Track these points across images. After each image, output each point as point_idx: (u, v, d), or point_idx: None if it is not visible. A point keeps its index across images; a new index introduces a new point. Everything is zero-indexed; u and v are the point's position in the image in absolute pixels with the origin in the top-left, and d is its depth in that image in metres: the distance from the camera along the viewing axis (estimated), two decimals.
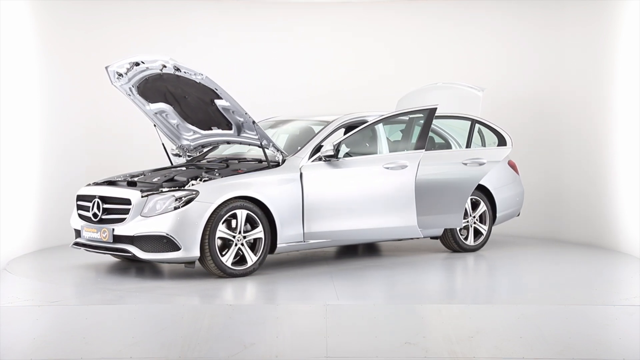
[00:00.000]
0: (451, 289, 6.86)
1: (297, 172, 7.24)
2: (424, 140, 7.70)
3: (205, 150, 8.21)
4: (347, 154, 7.67)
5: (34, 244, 8.71)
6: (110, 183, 7.32)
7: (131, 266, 7.54)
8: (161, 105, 7.55)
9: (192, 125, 7.73)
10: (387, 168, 7.55)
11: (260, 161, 7.40)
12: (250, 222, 6.94)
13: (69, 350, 5.39)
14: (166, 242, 6.64)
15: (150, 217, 6.69)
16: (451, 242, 8.29)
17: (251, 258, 6.92)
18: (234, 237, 6.82)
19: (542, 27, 9.92)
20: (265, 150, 7.31)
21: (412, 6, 10.32)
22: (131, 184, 7.12)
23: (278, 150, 7.29)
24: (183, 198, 6.69)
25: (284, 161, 7.27)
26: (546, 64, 9.89)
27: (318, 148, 7.43)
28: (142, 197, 6.78)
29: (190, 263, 6.78)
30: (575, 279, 7.17)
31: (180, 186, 6.88)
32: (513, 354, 5.42)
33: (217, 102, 7.12)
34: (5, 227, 7.96)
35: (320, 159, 7.36)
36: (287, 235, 7.12)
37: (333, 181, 7.37)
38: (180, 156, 8.15)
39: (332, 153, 7.32)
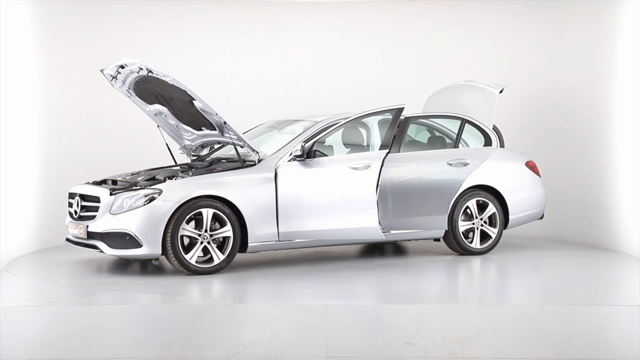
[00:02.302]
0: (452, 290, 6.85)
1: (271, 172, 7.26)
2: (390, 139, 7.64)
3: (213, 149, 8.22)
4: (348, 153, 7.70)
5: (34, 244, 8.71)
6: (101, 182, 7.50)
7: (132, 264, 7.56)
8: (158, 107, 7.61)
9: (186, 125, 7.76)
10: (353, 168, 7.50)
11: (244, 161, 7.44)
12: (221, 221, 7.02)
13: (69, 350, 5.39)
14: (129, 239, 6.81)
15: (117, 214, 6.88)
16: (454, 244, 8.14)
17: (218, 257, 7.02)
18: (199, 235, 6.92)
19: (542, 28, 9.92)
20: (238, 150, 7.41)
21: (415, 7, 10.32)
22: (114, 183, 7.36)
23: (254, 150, 7.31)
24: (147, 197, 6.85)
25: (260, 161, 7.29)
26: (546, 65, 9.89)
27: None
28: (110, 195, 6.98)
29: (155, 259, 6.99)
30: (575, 279, 7.17)
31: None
32: (513, 354, 5.42)
33: (195, 103, 7.18)
34: (5, 227, 7.96)
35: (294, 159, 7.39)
36: (260, 234, 7.15)
37: (305, 181, 7.37)
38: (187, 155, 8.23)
39: (300, 153, 7.34)
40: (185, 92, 7.02)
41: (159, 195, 6.86)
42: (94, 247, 7.05)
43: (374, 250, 8.79)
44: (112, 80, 7.39)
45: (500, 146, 8.68)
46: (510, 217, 8.37)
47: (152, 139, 8.94)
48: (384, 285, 6.84)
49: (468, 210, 8.16)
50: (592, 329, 5.59)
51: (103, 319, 5.64)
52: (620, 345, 5.49)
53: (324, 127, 7.68)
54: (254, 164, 7.30)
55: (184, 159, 8.43)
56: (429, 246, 8.91)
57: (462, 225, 8.11)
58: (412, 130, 8.37)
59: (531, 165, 8.66)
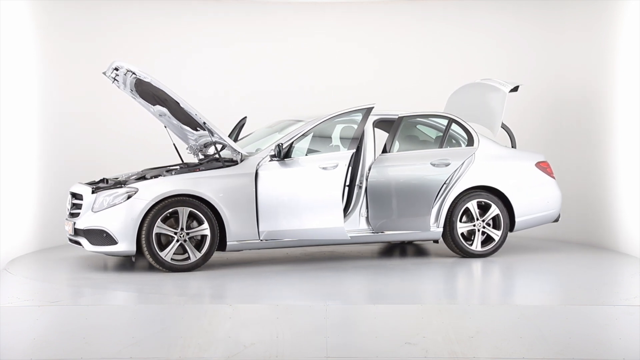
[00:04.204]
0: (452, 290, 6.85)
1: (252, 171, 7.31)
2: (357, 139, 7.58)
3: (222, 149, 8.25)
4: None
5: (34, 244, 8.71)
6: (100, 181, 7.63)
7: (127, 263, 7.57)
8: (160, 108, 7.62)
9: (185, 126, 7.78)
10: (322, 168, 7.47)
11: (228, 159, 7.50)
12: (200, 220, 7.13)
13: (69, 350, 5.40)
14: (106, 236, 7.02)
15: (98, 212, 7.08)
16: (452, 246, 8.01)
17: (194, 254, 7.13)
18: (175, 233, 7.06)
19: (542, 28, 9.92)
20: (218, 148, 7.53)
21: (416, 7, 10.33)
22: (106, 182, 7.53)
23: (235, 150, 7.37)
24: (123, 195, 7.03)
25: (242, 161, 7.36)
26: (546, 65, 9.89)
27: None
28: (92, 193, 7.19)
29: (127, 256, 7.21)
30: (575, 279, 7.17)
31: None
32: (513, 354, 5.43)
33: (181, 104, 7.23)
34: (5, 227, 7.96)
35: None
36: (239, 233, 7.23)
37: (283, 181, 7.39)
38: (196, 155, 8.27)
39: (273, 153, 7.37)
40: (166, 93, 7.09)
41: (135, 193, 7.01)
42: (79, 243, 7.25)
43: (391, 250, 8.79)
44: (113, 82, 7.44)
45: (512, 147, 8.56)
46: (517, 220, 8.10)
47: (152, 138, 8.94)
48: (380, 285, 6.83)
49: (471, 211, 8.02)
50: (592, 329, 5.59)
51: (103, 319, 5.64)
52: (620, 345, 5.49)
53: (304, 128, 7.67)
54: (236, 164, 7.36)
55: (191, 158, 8.43)
56: (435, 248, 8.86)
57: (461, 227, 7.98)
58: (423, 130, 8.30)
59: (543, 166, 8.39)
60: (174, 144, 8.00)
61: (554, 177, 8.46)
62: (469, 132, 8.19)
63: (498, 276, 7.47)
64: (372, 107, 7.68)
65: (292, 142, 7.49)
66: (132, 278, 6.97)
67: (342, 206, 7.40)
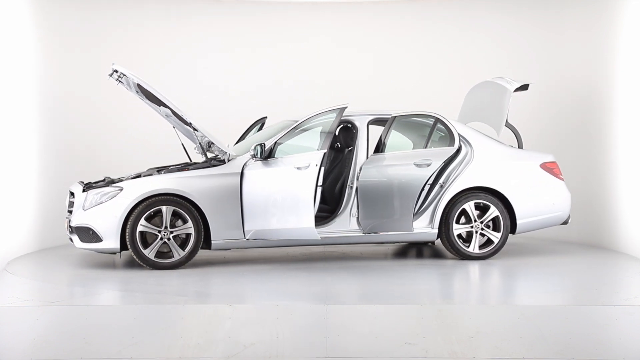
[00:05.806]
0: (452, 290, 6.85)
1: (237, 170, 7.39)
2: (330, 139, 7.54)
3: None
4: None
5: (34, 244, 8.72)
6: (99, 181, 7.72)
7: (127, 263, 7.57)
8: (164, 109, 7.64)
9: (186, 126, 7.80)
10: (297, 168, 7.44)
11: (212, 159, 7.59)
12: (184, 219, 7.25)
13: (69, 350, 5.40)
14: (92, 234, 7.21)
15: (87, 210, 7.23)
16: (449, 248, 7.92)
17: (178, 253, 7.27)
18: (159, 231, 7.19)
19: (542, 28, 9.92)
20: (204, 148, 7.65)
21: (415, 7, 10.33)
22: (102, 181, 7.63)
23: (221, 150, 7.44)
24: (109, 194, 7.20)
25: (229, 160, 7.45)
26: (546, 66, 9.89)
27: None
28: (82, 192, 7.35)
29: (113, 253, 7.33)
30: (575, 279, 7.17)
31: None
32: (513, 354, 5.43)
33: (169, 105, 7.30)
34: (5, 227, 7.96)
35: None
36: (224, 232, 7.32)
37: (264, 180, 7.43)
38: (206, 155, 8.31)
39: (253, 153, 7.40)
40: (153, 94, 7.16)
41: (120, 192, 7.15)
42: (72, 240, 7.42)
43: (394, 251, 8.79)
44: (119, 84, 7.49)
45: (519, 147, 8.40)
46: (519, 222, 7.93)
47: (153, 138, 8.93)
48: (380, 285, 6.83)
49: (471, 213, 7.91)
50: (592, 329, 5.59)
51: (103, 319, 5.64)
52: (620, 345, 5.49)
53: (288, 128, 7.71)
54: (223, 163, 7.44)
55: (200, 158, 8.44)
56: (436, 249, 8.88)
57: (458, 229, 7.88)
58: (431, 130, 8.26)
59: (550, 167, 8.16)
60: (182, 144, 8.03)
61: (561, 178, 8.18)
62: (451, 131, 7.91)
63: (498, 277, 7.47)
64: (345, 107, 7.68)
65: (275, 142, 7.52)
66: (134, 278, 6.97)
67: (312, 206, 7.36)
